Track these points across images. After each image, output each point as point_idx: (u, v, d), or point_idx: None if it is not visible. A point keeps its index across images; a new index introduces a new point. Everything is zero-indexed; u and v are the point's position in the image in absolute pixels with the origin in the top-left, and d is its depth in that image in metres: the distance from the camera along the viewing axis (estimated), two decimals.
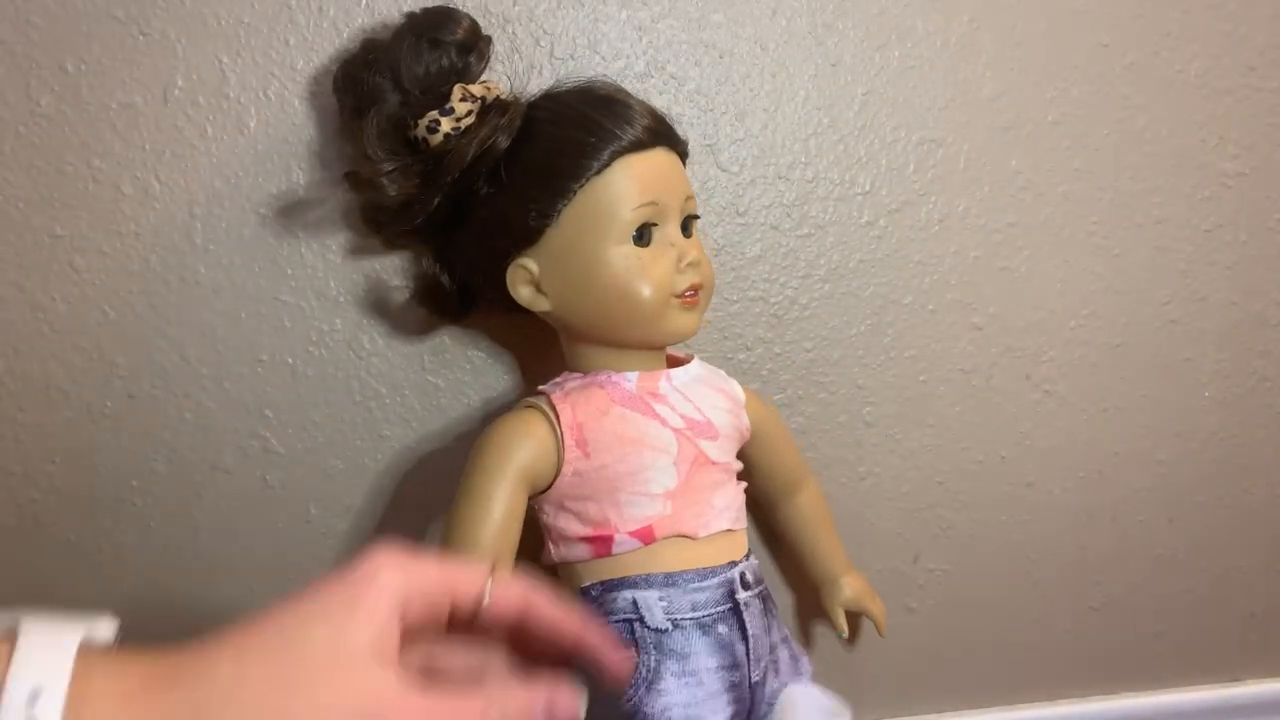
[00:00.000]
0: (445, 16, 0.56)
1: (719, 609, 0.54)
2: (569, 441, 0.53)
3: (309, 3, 0.61)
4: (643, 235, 0.53)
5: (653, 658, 0.52)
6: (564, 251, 0.53)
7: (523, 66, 0.64)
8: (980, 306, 0.72)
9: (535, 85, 0.64)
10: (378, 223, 0.59)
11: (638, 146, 0.53)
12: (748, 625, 0.54)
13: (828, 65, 0.68)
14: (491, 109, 0.54)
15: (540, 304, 0.55)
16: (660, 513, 0.53)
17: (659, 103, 0.66)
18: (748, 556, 0.57)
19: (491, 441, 0.53)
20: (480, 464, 0.53)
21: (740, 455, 0.60)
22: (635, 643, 0.52)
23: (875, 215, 0.70)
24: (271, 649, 0.30)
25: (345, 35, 0.61)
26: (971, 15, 0.70)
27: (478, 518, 0.52)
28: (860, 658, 0.75)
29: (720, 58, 0.67)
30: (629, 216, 0.52)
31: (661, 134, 0.55)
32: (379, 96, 0.54)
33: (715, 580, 0.54)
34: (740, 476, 0.59)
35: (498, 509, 0.52)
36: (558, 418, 0.53)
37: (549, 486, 0.54)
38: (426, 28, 0.55)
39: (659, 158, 0.54)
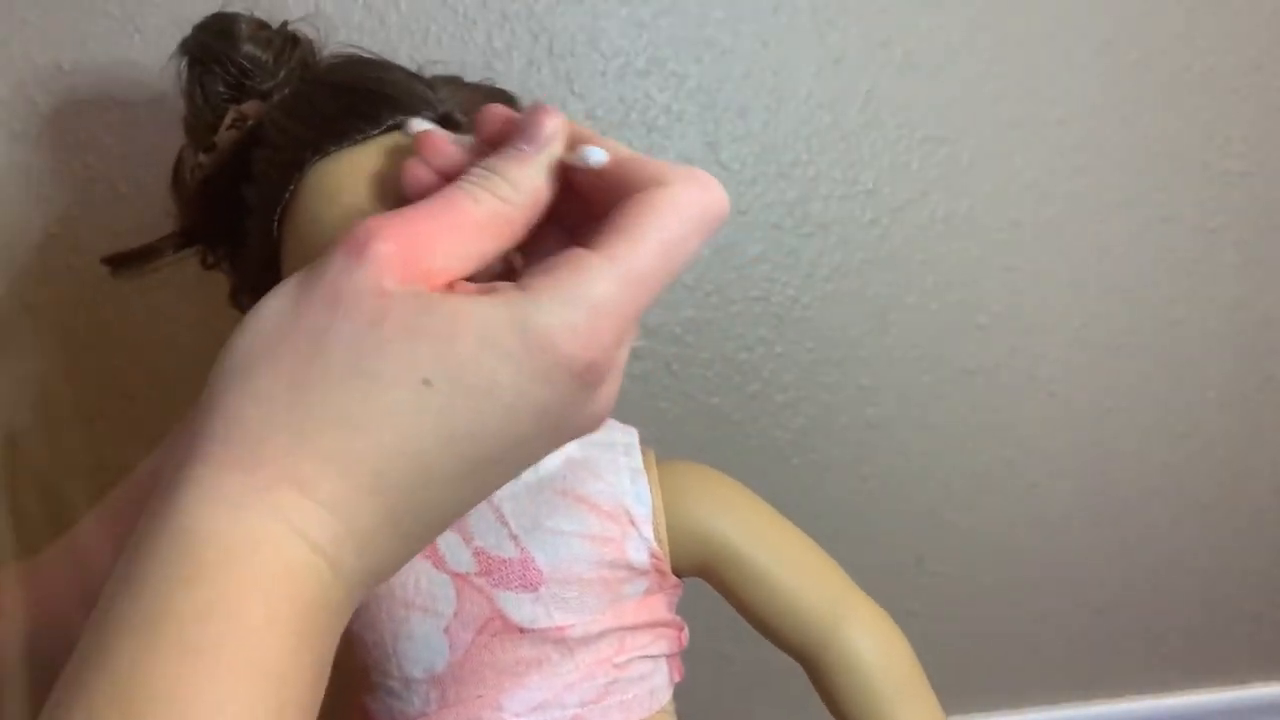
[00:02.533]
0: (218, 28, 0.41)
1: None
2: None
3: (307, 2, 0.60)
4: None
5: None
6: None
7: (521, 64, 0.63)
8: (984, 306, 0.72)
9: (534, 82, 0.63)
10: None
11: (342, 141, 0.35)
12: None
13: (830, 62, 0.68)
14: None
15: None
16: (418, 709, 0.36)
17: (660, 100, 0.65)
18: None
19: None
20: None
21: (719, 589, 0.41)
22: None
23: (878, 214, 0.70)
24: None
25: (342, 33, 0.61)
26: (975, 13, 0.69)
27: None
28: None
29: (721, 54, 0.66)
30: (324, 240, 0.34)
31: (401, 106, 0.36)
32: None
33: None
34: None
35: None
36: None
37: None
38: (199, 51, 0.41)
39: (377, 149, 0.35)
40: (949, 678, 0.76)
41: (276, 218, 0.36)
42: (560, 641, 0.36)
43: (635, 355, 0.68)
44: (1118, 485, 0.76)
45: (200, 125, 0.40)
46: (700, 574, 0.40)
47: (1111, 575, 0.77)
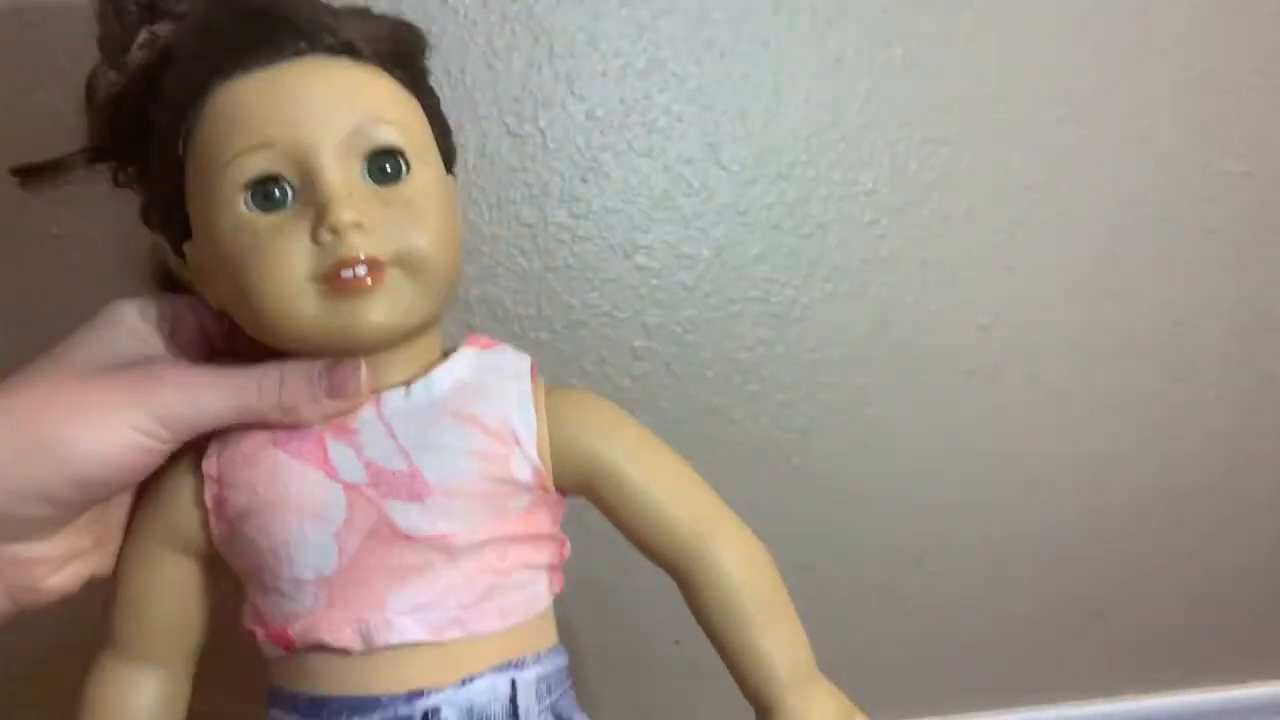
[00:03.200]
0: None
1: None
2: (209, 501, 0.39)
3: None
4: (267, 196, 0.36)
5: None
6: (193, 225, 0.39)
7: (521, 65, 0.63)
8: (984, 306, 0.72)
9: (534, 83, 0.64)
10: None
11: (244, 64, 0.36)
12: None
13: (830, 63, 0.68)
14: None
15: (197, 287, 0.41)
16: (307, 608, 0.38)
17: (660, 101, 0.65)
18: (465, 682, 0.38)
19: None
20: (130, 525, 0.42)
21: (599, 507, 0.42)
22: None
23: (878, 214, 0.70)
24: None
25: None
26: (975, 13, 0.69)
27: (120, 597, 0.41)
28: (862, 659, 0.74)
29: (721, 55, 0.66)
30: (227, 171, 0.36)
31: (303, 33, 0.37)
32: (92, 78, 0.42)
33: (377, 718, 0.37)
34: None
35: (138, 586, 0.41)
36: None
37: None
38: None
39: (295, 74, 0.36)
40: (947, 676, 0.76)
41: (181, 138, 0.37)
42: (444, 549, 0.38)
43: (635, 355, 0.68)
44: (1118, 485, 0.76)
45: (113, 43, 0.41)
46: (582, 492, 0.42)
47: (1111, 575, 0.77)
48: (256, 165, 0.35)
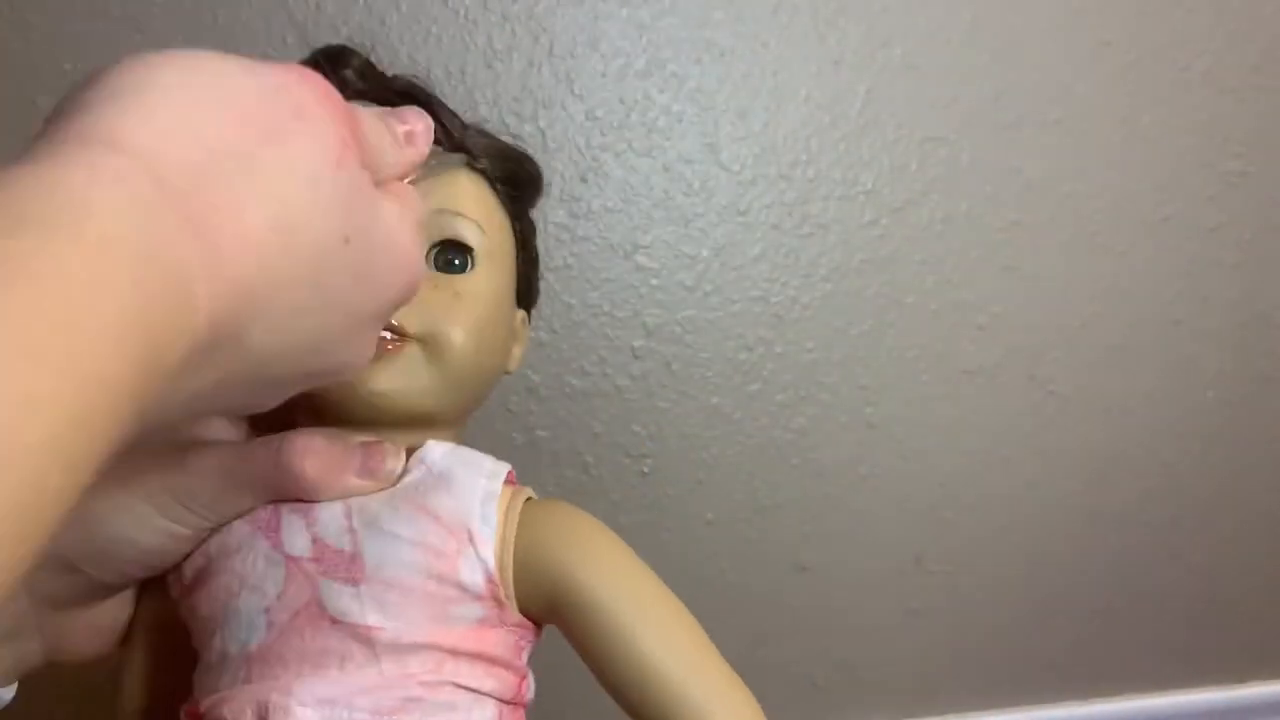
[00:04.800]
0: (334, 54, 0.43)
1: None
2: (183, 563, 0.38)
3: (307, 1, 0.61)
4: None
5: None
6: None
7: (521, 64, 0.63)
8: (983, 306, 0.72)
9: (534, 82, 0.64)
10: None
11: None
12: None
13: (829, 63, 0.68)
14: None
15: None
16: (226, 684, 0.35)
17: (659, 101, 0.65)
18: None
19: None
20: None
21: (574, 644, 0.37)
22: None
23: (877, 214, 0.70)
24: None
25: (343, 33, 0.61)
26: (974, 13, 0.69)
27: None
28: (862, 659, 0.74)
29: (721, 55, 0.66)
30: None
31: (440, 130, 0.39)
32: None
33: None
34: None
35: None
36: None
37: None
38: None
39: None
40: (947, 676, 0.76)
41: None
42: (367, 642, 0.35)
43: (635, 355, 0.68)
44: (1118, 485, 0.76)
45: None
46: (551, 619, 0.37)
47: (1111, 575, 0.77)
48: None
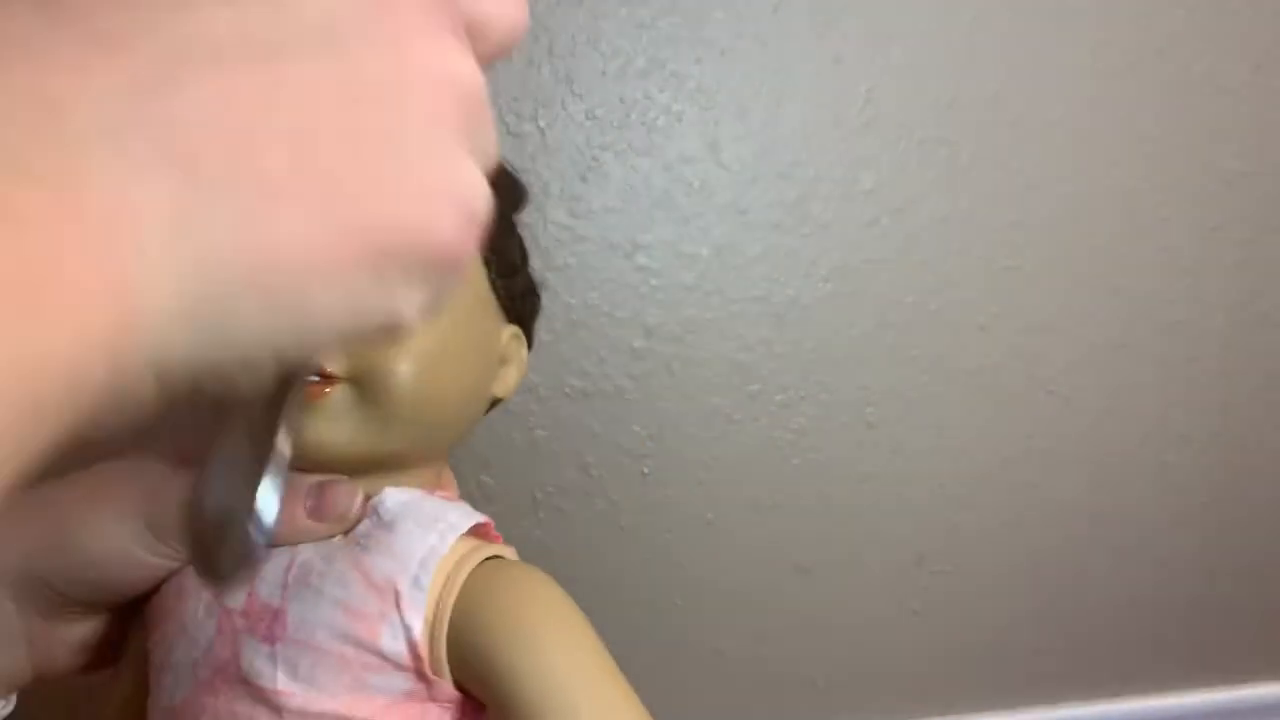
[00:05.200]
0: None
1: None
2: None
3: None
4: None
5: None
6: None
7: (521, 64, 0.63)
8: (983, 306, 0.72)
9: (534, 82, 0.64)
10: None
11: None
12: None
13: (829, 63, 0.68)
14: None
15: None
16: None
17: (659, 100, 0.65)
18: None
19: None
20: None
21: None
22: None
23: (878, 214, 0.70)
24: None
25: None
26: (974, 13, 0.69)
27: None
28: (863, 659, 0.74)
29: (721, 55, 0.66)
30: None
31: None
32: None
33: None
34: None
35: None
36: None
37: None
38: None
39: None
40: (948, 676, 0.76)
41: None
42: (274, 707, 0.31)
43: (635, 355, 0.68)
44: (1118, 485, 0.76)
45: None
46: (487, 704, 0.33)
47: (1111, 575, 0.77)
48: None
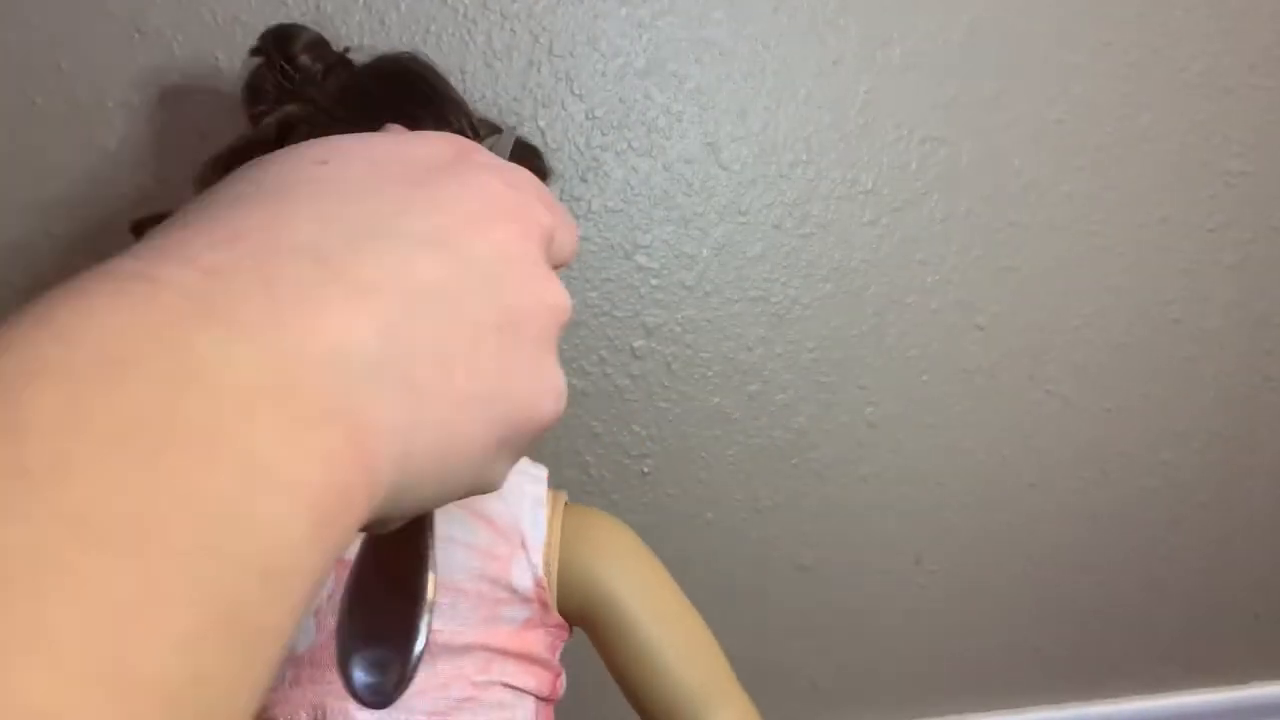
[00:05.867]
0: (281, 33, 0.47)
1: None
2: None
3: (306, 1, 0.60)
4: None
5: None
6: None
7: (521, 64, 0.63)
8: (983, 306, 0.72)
9: (534, 82, 0.64)
10: None
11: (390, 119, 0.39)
12: None
13: (829, 63, 0.68)
14: None
15: None
16: (275, 688, 0.35)
17: (659, 100, 0.65)
18: None
19: None
20: None
21: (599, 647, 0.39)
22: None
23: (877, 214, 0.70)
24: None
25: (342, 32, 0.61)
26: (974, 13, 0.69)
27: None
28: (862, 659, 0.74)
29: (721, 55, 0.66)
30: None
31: (440, 97, 0.42)
32: None
33: None
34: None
35: None
36: None
37: None
38: (260, 50, 0.47)
39: None
40: (947, 676, 0.76)
41: None
42: None
43: (635, 355, 0.68)
44: (1117, 485, 0.76)
45: (252, 113, 0.44)
46: (582, 623, 0.39)
47: (1111, 575, 0.77)
48: None
